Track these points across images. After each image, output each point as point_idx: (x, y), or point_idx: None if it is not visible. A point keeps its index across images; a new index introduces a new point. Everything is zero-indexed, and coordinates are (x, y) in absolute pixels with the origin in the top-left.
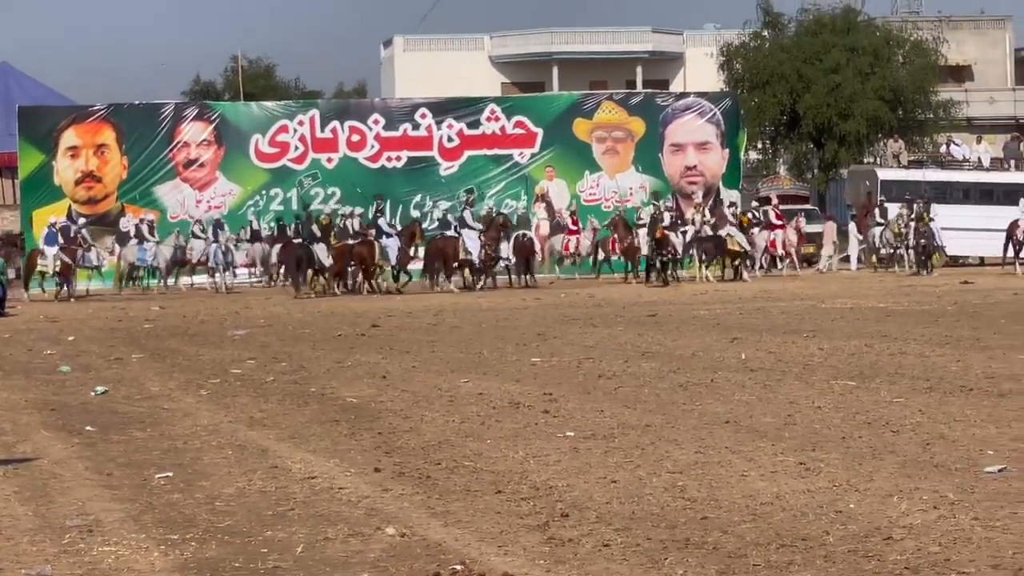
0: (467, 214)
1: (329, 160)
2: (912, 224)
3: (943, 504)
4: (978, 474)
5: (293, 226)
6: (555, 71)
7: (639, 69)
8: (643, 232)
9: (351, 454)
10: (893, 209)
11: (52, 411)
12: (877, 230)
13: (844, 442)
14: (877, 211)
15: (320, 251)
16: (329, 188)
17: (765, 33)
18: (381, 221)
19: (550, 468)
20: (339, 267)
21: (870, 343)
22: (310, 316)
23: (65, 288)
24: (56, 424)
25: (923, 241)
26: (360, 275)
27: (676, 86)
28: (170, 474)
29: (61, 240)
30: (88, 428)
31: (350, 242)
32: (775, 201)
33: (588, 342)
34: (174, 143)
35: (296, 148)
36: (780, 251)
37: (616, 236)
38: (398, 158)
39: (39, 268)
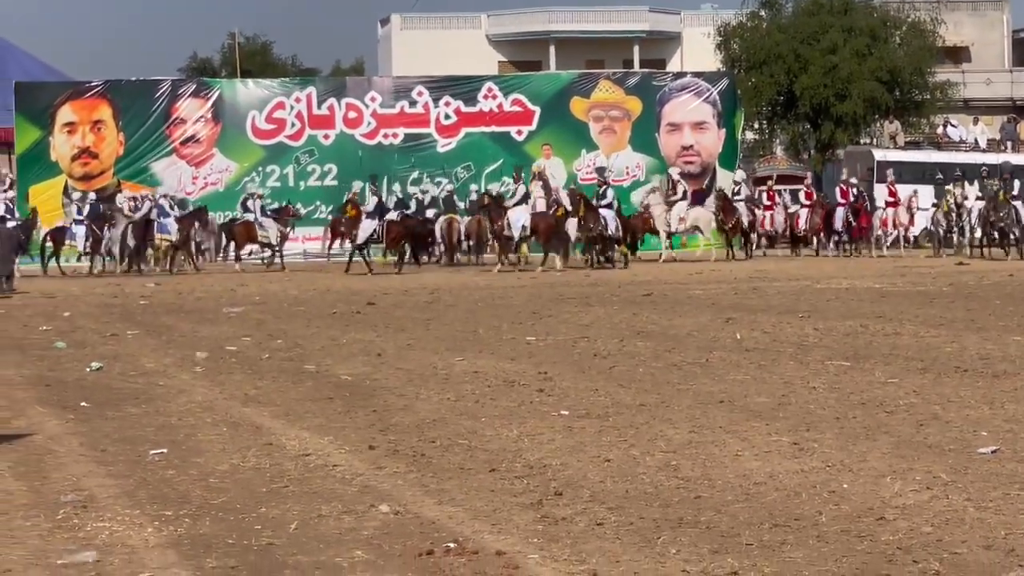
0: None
1: (326, 137)
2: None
3: (936, 485)
4: (971, 455)
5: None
6: (552, 50)
7: (636, 49)
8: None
9: (345, 432)
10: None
11: (47, 387)
12: (928, 213)
13: (838, 422)
14: (932, 190)
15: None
16: (326, 165)
17: (762, 13)
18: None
19: (544, 447)
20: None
21: (865, 324)
22: (305, 294)
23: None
24: (51, 400)
25: (1002, 224)
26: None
27: (673, 66)
28: (164, 450)
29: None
30: (83, 404)
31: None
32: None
33: (583, 321)
34: (171, 120)
35: (293, 125)
36: (890, 228)
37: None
38: (395, 135)
39: (68, 244)
